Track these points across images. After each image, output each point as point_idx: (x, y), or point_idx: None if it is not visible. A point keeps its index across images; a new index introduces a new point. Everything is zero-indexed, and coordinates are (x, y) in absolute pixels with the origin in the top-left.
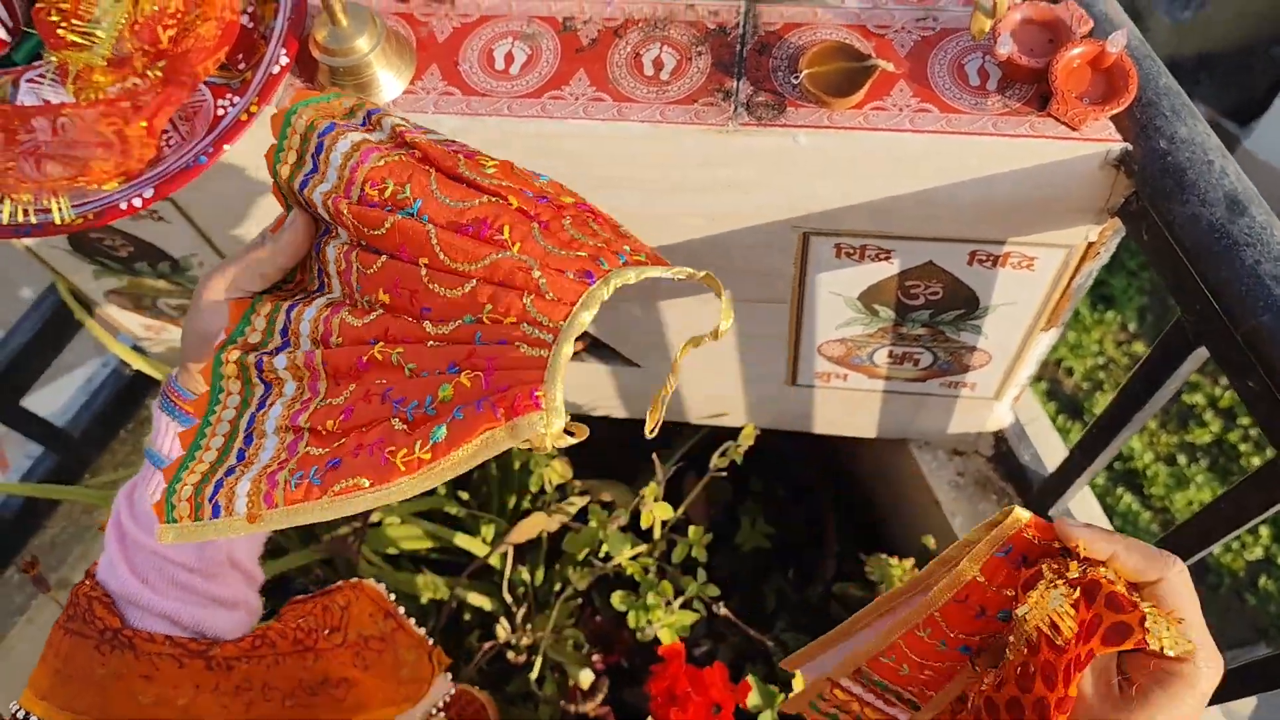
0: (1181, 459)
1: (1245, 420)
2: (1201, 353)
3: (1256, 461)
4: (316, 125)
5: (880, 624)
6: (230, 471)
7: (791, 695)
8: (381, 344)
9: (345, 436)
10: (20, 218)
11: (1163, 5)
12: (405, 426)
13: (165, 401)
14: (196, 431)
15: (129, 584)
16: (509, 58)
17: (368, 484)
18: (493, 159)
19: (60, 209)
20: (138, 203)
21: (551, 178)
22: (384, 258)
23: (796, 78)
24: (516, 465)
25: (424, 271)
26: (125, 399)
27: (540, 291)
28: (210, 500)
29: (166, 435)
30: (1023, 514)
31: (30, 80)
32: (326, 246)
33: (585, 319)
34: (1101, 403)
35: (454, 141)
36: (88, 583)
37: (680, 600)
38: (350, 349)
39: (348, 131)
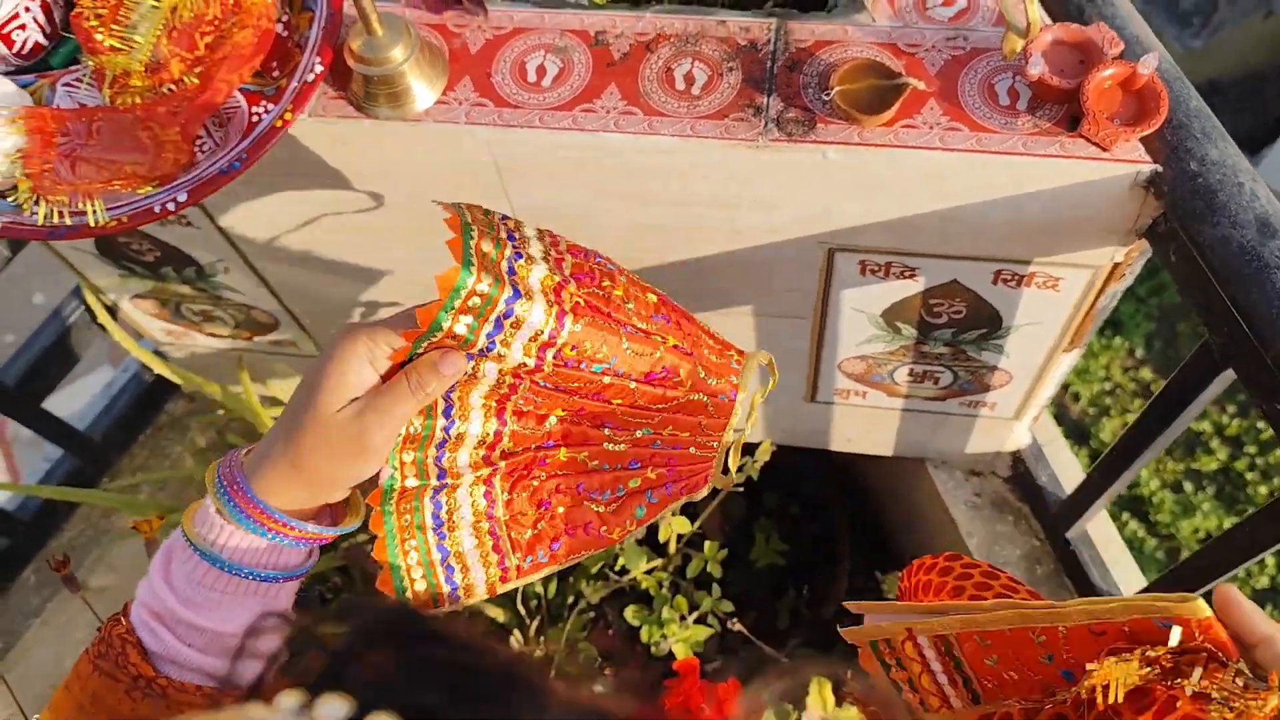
0: (1188, 486)
1: (1252, 449)
2: (1228, 375)
3: (1263, 490)
4: (495, 300)
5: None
6: (449, 569)
7: (859, 627)
8: (564, 448)
9: (543, 520)
10: (55, 219)
11: (1173, 31)
12: (604, 509)
13: (238, 512)
14: (387, 544)
15: (175, 650)
16: (541, 70)
17: (589, 553)
18: (619, 281)
19: (95, 211)
20: (171, 206)
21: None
22: (575, 397)
23: (827, 94)
24: None
25: (616, 408)
26: (145, 403)
27: (709, 413)
28: (450, 591)
29: (229, 539)
30: (1202, 608)
31: (67, 84)
32: (469, 387)
33: (737, 425)
34: (1108, 428)
35: (587, 256)
36: (124, 624)
37: (694, 615)
38: (527, 454)
39: (532, 301)
